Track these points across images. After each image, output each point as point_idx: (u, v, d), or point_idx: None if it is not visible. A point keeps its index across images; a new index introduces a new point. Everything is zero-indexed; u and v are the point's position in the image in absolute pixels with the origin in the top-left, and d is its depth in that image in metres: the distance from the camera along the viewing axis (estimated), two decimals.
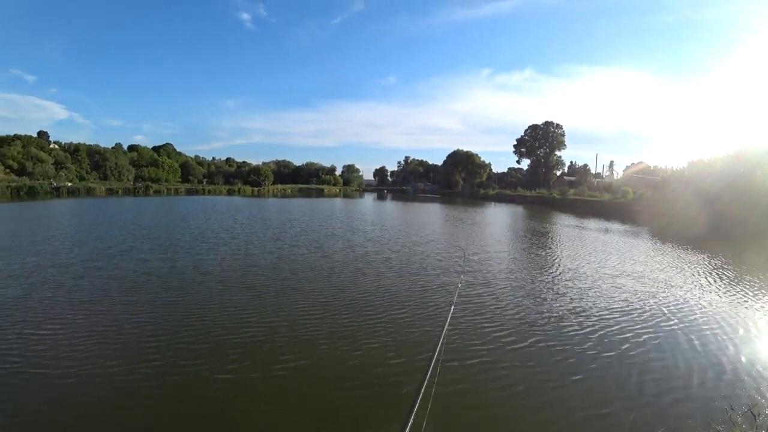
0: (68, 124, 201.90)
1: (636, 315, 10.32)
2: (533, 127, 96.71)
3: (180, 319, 10.09)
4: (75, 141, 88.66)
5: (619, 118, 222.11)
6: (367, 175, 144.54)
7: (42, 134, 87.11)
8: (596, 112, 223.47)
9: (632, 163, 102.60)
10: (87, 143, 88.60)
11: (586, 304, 11.13)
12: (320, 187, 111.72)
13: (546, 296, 12.05)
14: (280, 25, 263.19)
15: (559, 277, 14.43)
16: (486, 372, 7.24)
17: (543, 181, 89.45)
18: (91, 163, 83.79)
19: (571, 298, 11.71)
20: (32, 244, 19.81)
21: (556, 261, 17.72)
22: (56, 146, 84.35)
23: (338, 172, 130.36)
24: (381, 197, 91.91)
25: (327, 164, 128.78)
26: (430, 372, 6.64)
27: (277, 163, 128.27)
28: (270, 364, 7.81)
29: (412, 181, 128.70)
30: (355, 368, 7.52)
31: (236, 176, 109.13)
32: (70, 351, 8.22)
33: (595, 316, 10.17)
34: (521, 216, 45.13)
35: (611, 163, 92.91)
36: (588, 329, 9.26)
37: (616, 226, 33.20)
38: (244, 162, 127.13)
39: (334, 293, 12.60)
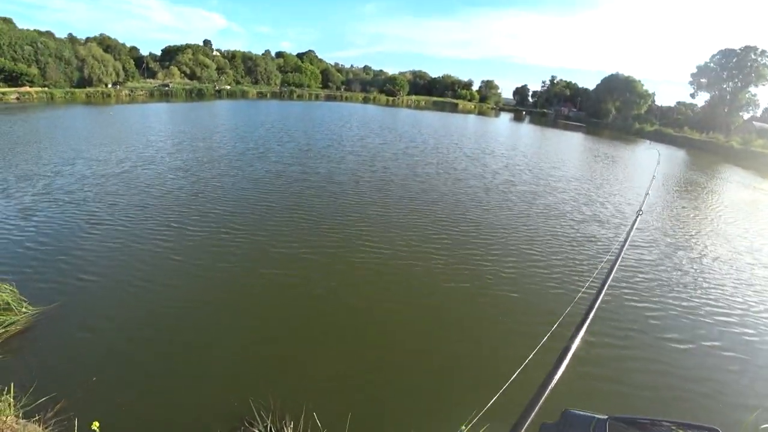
0: (226, 33, 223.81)
1: None
2: (726, 53, 73.80)
3: (308, 230, 10.31)
4: (232, 49, 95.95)
5: None
6: (506, 93, 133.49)
7: (206, 43, 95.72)
8: None
9: None
10: (242, 50, 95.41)
11: None
12: (455, 101, 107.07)
13: (725, 282, 9.95)
14: None
15: (739, 259, 11.70)
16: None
17: (722, 123, 70.04)
18: (245, 69, 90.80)
19: (760, 295, 9.43)
20: (194, 141, 22.22)
21: (738, 237, 14.12)
22: (218, 53, 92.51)
23: (475, 87, 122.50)
24: (518, 119, 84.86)
25: (464, 78, 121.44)
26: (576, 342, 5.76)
27: (413, 73, 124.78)
28: (398, 296, 7.57)
29: (555, 105, 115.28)
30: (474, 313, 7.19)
31: (372, 84, 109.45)
32: (209, 243, 8.91)
33: None
34: (682, 163, 37.43)
35: None
36: None
37: None
38: (380, 71, 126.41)
39: (465, 223, 12.03)
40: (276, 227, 10.31)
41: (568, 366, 5.90)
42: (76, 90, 51.37)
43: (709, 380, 6.09)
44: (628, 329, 7.18)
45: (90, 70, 54.24)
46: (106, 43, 65.95)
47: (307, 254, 8.89)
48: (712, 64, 75.73)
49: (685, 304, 8.31)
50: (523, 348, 5.94)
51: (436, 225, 11.44)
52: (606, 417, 2.72)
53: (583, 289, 8.18)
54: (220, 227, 10.02)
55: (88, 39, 66.07)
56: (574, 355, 6.21)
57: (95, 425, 3.21)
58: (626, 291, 8.60)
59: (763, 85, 70.95)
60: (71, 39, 62.77)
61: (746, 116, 73.67)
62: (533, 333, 6.48)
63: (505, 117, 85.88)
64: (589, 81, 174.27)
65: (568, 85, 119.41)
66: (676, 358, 6.60)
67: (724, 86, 74.20)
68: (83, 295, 6.86)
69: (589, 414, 3.10)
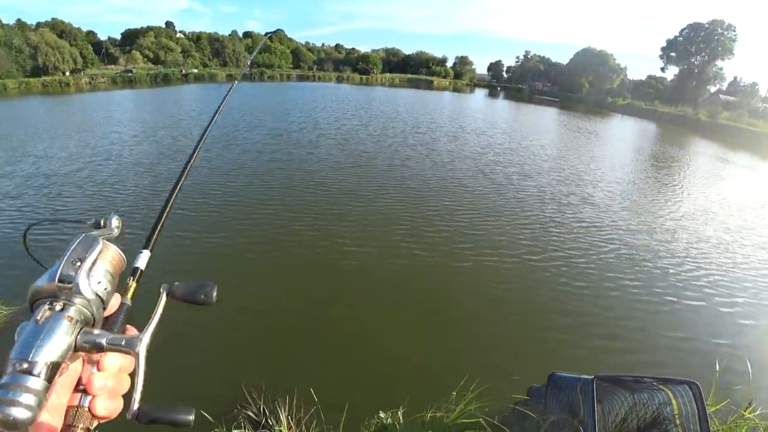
0: (189, 14, 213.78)
1: None
2: (693, 27, 73.82)
3: (283, 229, 9.50)
4: (197, 30, 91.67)
5: None
6: (481, 69, 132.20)
7: (169, 24, 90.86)
8: None
9: None
10: (207, 32, 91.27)
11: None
12: (429, 78, 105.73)
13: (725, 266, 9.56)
14: None
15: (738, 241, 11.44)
16: None
17: (690, 97, 70.39)
18: (212, 51, 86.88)
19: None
20: (156, 130, 20.80)
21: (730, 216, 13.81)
22: (182, 35, 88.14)
23: (449, 64, 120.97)
24: (493, 95, 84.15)
25: (438, 54, 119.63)
26: None
27: (386, 51, 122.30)
28: (390, 292, 7.12)
29: (529, 80, 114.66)
30: None
31: (345, 63, 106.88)
32: (170, 251, 7.98)
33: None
34: (652, 136, 38.09)
35: None
36: None
37: None
38: (353, 49, 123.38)
39: (459, 212, 11.60)
40: (246, 228, 9.40)
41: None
42: (31, 79, 48.23)
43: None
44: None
45: (44, 57, 50.92)
46: (59, 28, 62.06)
47: (283, 260, 8.08)
48: (681, 38, 75.74)
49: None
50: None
51: (427, 215, 10.75)
52: (592, 377, 2.87)
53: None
54: (183, 232, 9.01)
55: (39, 24, 61.93)
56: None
57: None
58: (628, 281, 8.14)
59: (729, 58, 71.21)
60: (20, 25, 58.63)
61: (713, 89, 73.95)
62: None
63: (480, 93, 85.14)
64: (561, 55, 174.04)
65: (542, 59, 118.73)
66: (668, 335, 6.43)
67: (693, 60, 74.33)
68: None
69: (575, 375, 3.28)
